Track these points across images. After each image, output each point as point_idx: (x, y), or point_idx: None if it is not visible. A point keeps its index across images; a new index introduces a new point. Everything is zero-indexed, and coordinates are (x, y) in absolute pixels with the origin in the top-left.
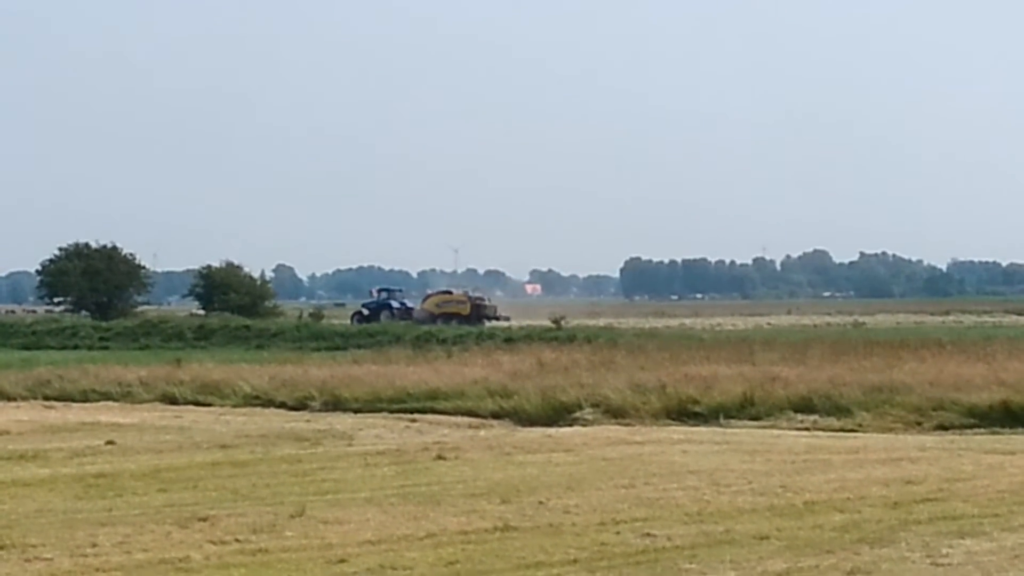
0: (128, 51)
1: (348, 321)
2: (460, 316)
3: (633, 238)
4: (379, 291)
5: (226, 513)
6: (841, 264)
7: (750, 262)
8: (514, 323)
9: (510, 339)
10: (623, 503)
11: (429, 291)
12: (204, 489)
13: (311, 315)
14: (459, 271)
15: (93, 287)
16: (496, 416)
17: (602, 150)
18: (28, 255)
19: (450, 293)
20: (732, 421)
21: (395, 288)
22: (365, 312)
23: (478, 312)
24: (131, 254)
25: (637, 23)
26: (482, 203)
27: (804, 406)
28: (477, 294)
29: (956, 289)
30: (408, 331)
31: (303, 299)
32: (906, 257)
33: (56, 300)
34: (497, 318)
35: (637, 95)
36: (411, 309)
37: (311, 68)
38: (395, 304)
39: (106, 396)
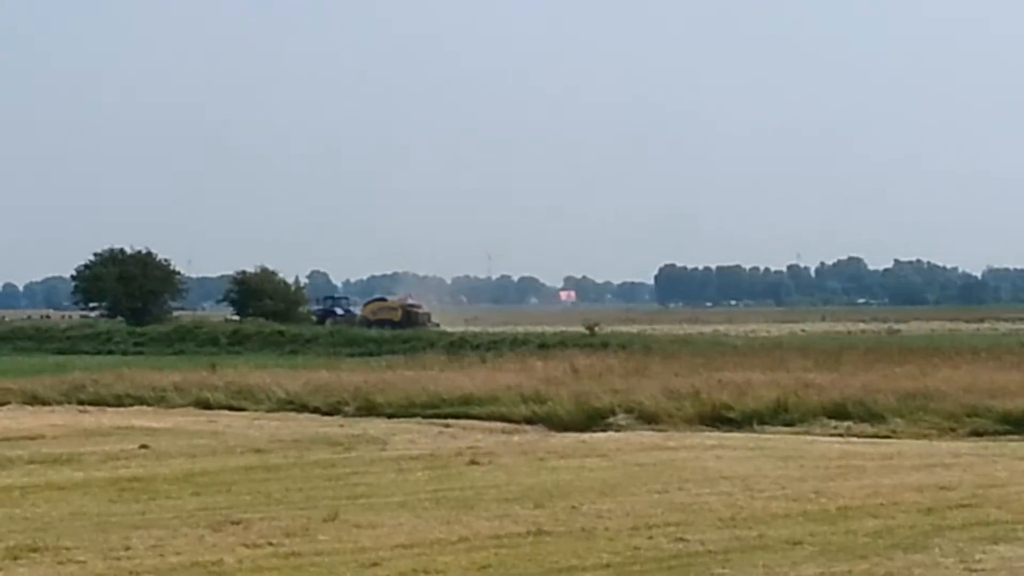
0: (163, 55)
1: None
2: (392, 322)
3: (667, 245)
4: (326, 299)
5: (259, 517)
6: (875, 271)
7: (784, 269)
8: (548, 329)
9: (544, 345)
10: (656, 508)
11: (372, 298)
12: (237, 493)
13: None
14: (493, 277)
15: (128, 292)
16: (530, 421)
17: (637, 157)
18: (63, 260)
19: (385, 300)
20: (766, 427)
21: (340, 296)
22: (314, 318)
23: (409, 319)
24: (166, 259)
25: (672, 32)
26: (517, 209)
27: (838, 412)
28: (411, 302)
29: (991, 297)
30: (441, 338)
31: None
32: (940, 264)
33: (91, 305)
34: (426, 324)
35: (672, 102)
36: (355, 315)
37: (348, 78)
38: (339, 311)
39: (140, 401)
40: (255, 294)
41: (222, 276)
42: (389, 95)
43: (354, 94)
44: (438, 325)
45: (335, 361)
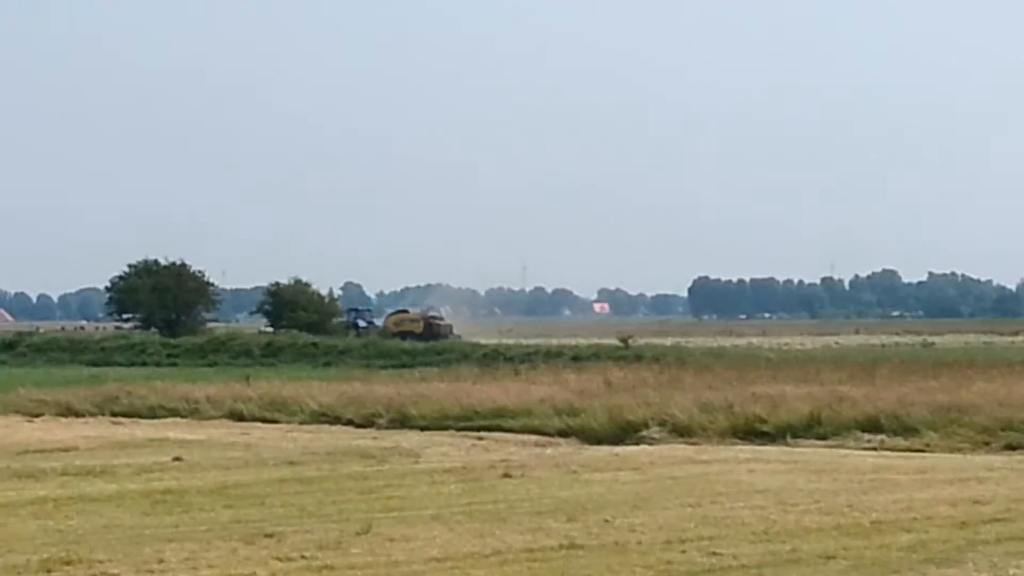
0: (197, 68)
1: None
2: (414, 333)
3: (701, 257)
4: (349, 311)
5: (292, 530)
6: (910, 284)
7: (818, 281)
8: (581, 341)
9: (577, 357)
10: (689, 522)
11: (395, 310)
12: (271, 506)
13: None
14: (527, 289)
15: (162, 304)
16: (563, 434)
17: (671, 170)
18: (98, 272)
19: (407, 312)
20: (799, 440)
21: (364, 308)
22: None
23: (430, 330)
24: (200, 271)
25: (708, 44)
26: (551, 222)
27: (871, 426)
28: (432, 314)
29: None
30: (475, 350)
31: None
32: (975, 277)
33: (125, 317)
34: (448, 336)
35: (704, 114)
36: (378, 327)
37: (379, 88)
38: (361, 323)
39: (174, 412)
40: (289, 306)
41: (256, 288)
42: (423, 106)
43: (388, 104)
44: (459, 337)
45: (368, 373)
